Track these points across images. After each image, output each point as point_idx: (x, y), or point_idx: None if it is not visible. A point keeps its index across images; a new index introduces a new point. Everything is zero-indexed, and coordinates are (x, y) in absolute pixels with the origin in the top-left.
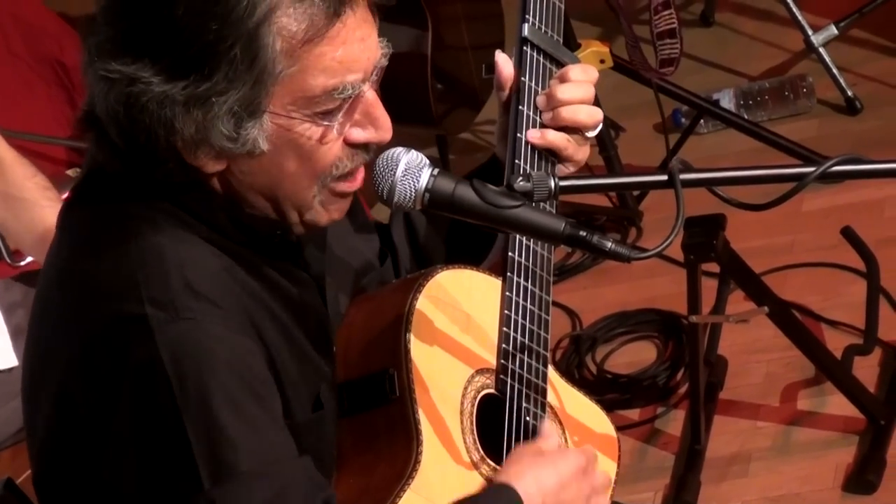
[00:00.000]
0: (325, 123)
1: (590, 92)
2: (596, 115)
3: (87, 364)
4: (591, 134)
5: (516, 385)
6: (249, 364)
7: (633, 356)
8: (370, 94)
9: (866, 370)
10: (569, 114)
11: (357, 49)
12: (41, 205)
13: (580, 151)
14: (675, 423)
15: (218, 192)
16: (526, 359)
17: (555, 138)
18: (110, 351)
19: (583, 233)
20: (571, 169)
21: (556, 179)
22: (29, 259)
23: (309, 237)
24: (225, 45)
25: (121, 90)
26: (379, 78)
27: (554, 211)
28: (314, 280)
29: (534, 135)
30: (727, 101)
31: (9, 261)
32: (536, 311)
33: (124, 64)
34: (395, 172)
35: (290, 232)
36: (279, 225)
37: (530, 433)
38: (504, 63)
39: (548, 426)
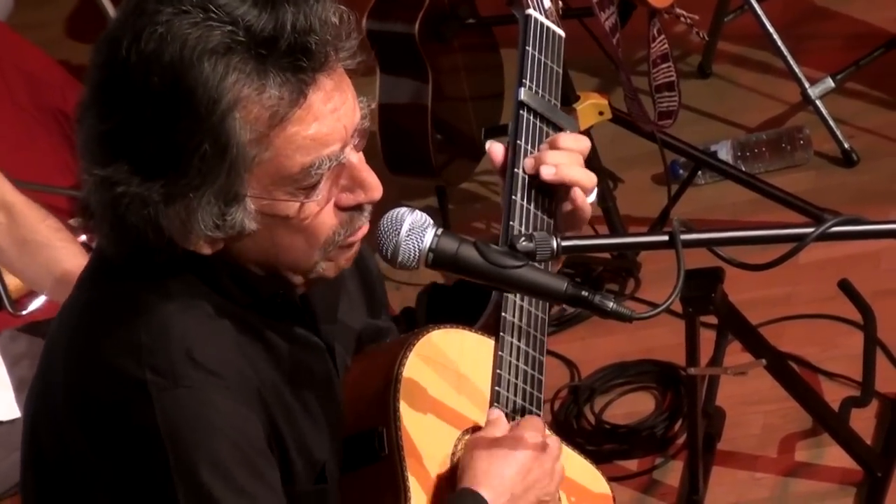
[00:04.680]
0: (309, 200)
1: (579, 162)
2: (591, 178)
3: (86, 420)
4: (590, 199)
5: None
6: (246, 433)
7: (631, 407)
8: (353, 158)
9: (863, 422)
10: (566, 172)
11: (330, 122)
12: (56, 246)
13: (587, 207)
14: (673, 473)
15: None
16: (517, 417)
17: (569, 173)
18: (109, 411)
19: (585, 293)
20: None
21: (559, 239)
22: (31, 308)
23: (321, 305)
24: (194, 141)
25: (104, 193)
26: (363, 139)
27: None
28: (325, 345)
29: (548, 171)
30: (725, 152)
31: (10, 310)
32: (529, 370)
33: (103, 167)
34: (399, 232)
35: (292, 291)
36: (281, 285)
37: None
38: (497, 152)
39: (494, 412)
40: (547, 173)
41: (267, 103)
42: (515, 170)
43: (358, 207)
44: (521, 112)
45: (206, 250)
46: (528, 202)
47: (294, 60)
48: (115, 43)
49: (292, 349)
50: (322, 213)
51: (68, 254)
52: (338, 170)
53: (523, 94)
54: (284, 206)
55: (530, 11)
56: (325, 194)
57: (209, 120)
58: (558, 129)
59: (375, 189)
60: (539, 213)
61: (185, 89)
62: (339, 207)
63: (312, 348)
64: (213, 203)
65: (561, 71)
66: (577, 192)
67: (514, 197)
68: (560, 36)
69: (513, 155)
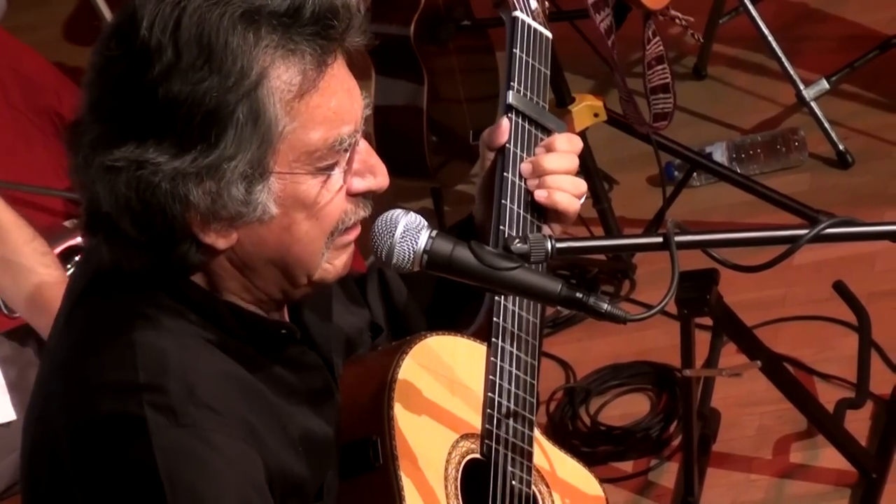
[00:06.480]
0: (330, 173)
1: (574, 162)
2: (580, 186)
3: (84, 455)
4: (579, 203)
5: (501, 449)
6: (245, 471)
7: (626, 408)
8: (363, 144)
9: (858, 423)
10: (554, 183)
11: (346, 100)
12: (38, 272)
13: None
14: (668, 475)
15: (222, 285)
16: (511, 423)
17: (561, 199)
18: (107, 447)
19: (579, 294)
20: (558, 230)
21: (553, 241)
22: None
23: (314, 315)
24: (227, 109)
25: (130, 176)
26: (365, 128)
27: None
28: (322, 358)
29: (541, 195)
30: (720, 154)
31: (6, 312)
32: (521, 375)
33: (128, 150)
34: (393, 234)
35: (294, 331)
36: (284, 324)
37: (516, 497)
38: (507, 129)
39: None
40: (540, 196)
41: (296, 70)
42: (505, 174)
43: (364, 195)
44: (508, 115)
45: (223, 244)
46: (519, 206)
47: (321, 27)
48: (130, 30)
49: (292, 372)
50: (338, 195)
51: (50, 282)
52: (352, 153)
53: (511, 97)
54: (306, 184)
55: (517, 13)
56: (343, 174)
57: (243, 86)
58: (547, 131)
59: (384, 175)
60: (529, 217)
61: (217, 58)
62: (350, 193)
63: (311, 367)
64: (244, 176)
65: (549, 72)
66: (565, 204)
67: (503, 201)
68: (547, 37)
69: (502, 158)
